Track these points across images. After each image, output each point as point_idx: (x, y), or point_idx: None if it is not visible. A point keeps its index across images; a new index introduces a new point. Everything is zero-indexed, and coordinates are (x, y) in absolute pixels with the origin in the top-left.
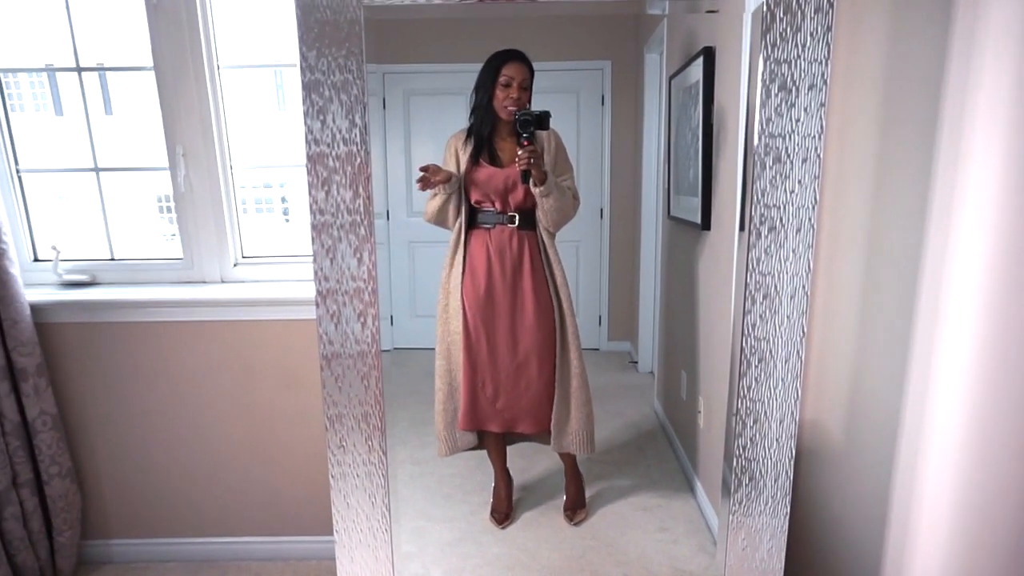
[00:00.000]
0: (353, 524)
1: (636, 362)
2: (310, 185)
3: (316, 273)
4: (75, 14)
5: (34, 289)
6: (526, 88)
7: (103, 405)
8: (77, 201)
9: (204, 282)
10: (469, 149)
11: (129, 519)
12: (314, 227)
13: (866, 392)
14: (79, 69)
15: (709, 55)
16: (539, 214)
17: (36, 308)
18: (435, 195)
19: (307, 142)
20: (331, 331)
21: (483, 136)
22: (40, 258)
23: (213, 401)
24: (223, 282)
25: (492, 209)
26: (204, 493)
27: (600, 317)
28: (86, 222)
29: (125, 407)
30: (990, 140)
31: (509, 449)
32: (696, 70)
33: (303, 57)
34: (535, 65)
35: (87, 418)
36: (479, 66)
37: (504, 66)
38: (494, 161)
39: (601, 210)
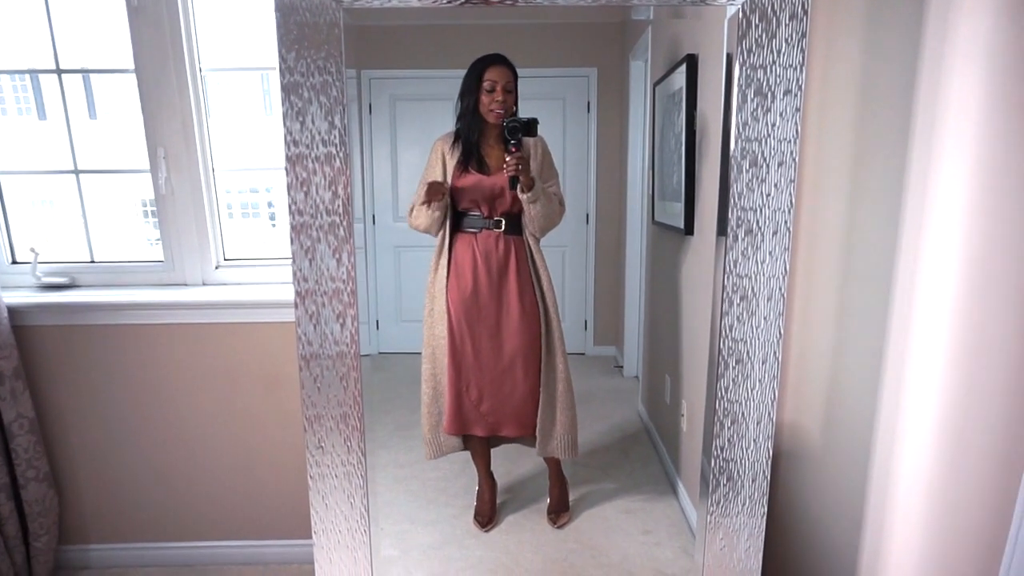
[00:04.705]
0: (332, 525)
1: (621, 366)
2: (289, 186)
3: (295, 274)
4: (56, 16)
5: (12, 292)
6: (510, 91)
7: (82, 408)
8: (60, 205)
9: (185, 284)
10: (457, 154)
11: (107, 523)
12: (293, 228)
13: (843, 393)
14: (59, 71)
15: (692, 62)
16: (525, 220)
17: (14, 311)
18: (432, 209)
19: (286, 143)
20: (310, 332)
21: (471, 142)
22: (18, 260)
23: (194, 404)
24: (204, 284)
25: (479, 214)
26: (184, 497)
27: (586, 322)
28: (68, 226)
29: (104, 410)
30: (960, 144)
31: (493, 452)
32: (679, 77)
33: (282, 59)
34: (521, 72)
35: (65, 421)
36: (464, 72)
37: (487, 71)
38: (481, 167)
39: (587, 215)
